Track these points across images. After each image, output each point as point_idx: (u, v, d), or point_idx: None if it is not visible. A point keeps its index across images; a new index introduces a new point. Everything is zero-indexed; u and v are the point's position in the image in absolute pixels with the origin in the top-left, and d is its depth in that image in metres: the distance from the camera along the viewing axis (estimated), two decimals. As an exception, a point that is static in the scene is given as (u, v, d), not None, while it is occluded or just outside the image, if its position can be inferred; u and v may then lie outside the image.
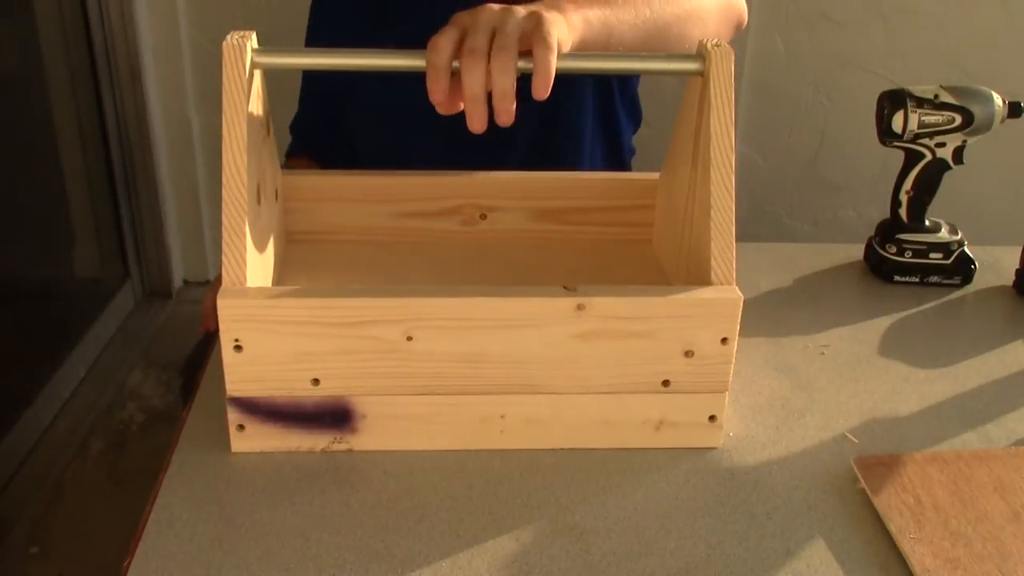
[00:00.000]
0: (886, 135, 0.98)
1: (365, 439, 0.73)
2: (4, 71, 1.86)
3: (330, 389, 0.70)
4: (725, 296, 0.71)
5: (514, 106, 0.69)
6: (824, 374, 0.85)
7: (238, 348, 0.68)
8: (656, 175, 0.92)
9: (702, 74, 0.74)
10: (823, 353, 0.88)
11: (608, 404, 0.73)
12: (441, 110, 0.71)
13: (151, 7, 2.05)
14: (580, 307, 0.69)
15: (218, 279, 1.10)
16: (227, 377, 0.69)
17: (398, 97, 1.08)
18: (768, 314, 0.95)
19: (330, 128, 1.22)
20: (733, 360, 0.72)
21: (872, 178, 2.07)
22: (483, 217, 0.93)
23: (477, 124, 0.70)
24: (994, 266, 1.04)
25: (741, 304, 0.71)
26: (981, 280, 1.02)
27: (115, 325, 2.15)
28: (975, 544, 0.65)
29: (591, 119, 1.14)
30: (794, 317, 0.94)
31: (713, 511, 0.68)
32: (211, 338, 0.88)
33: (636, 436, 0.74)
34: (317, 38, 1.18)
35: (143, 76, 2.07)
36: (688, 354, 0.71)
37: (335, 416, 0.72)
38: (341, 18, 1.14)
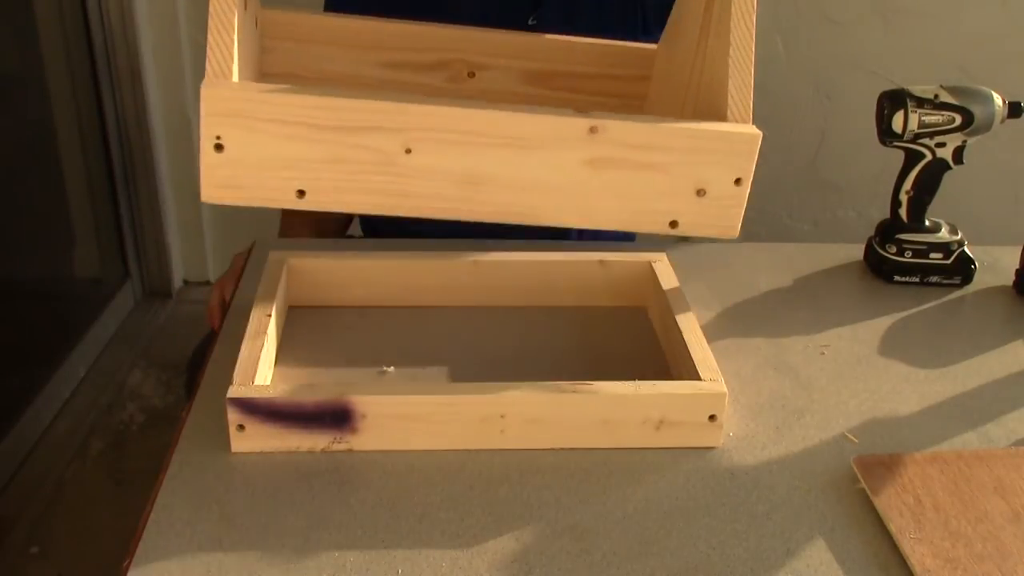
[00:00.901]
0: (886, 135, 0.98)
1: (365, 439, 0.73)
2: (4, 71, 1.86)
3: (315, 203, 0.65)
4: (743, 131, 0.67)
5: None
6: (824, 374, 0.85)
7: (219, 147, 0.63)
8: (654, 45, 0.89)
9: None
10: (823, 353, 0.88)
11: (608, 404, 0.73)
12: None
13: (151, 7, 2.05)
14: (593, 130, 0.65)
15: (221, 278, 1.10)
16: (203, 180, 0.64)
17: None
18: (768, 314, 0.95)
19: None
20: (744, 204, 0.68)
21: (872, 178, 2.07)
22: (471, 75, 0.87)
23: None
24: (994, 266, 1.04)
25: (759, 141, 0.67)
26: (981, 280, 1.02)
27: (115, 325, 2.15)
28: (975, 544, 0.65)
29: None
30: (794, 317, 0.94)
31: (713, 511, 0.68)
32: (215, 337, 0.88)
33: (636, 436, 0.74)
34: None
35: (143, 76, 2.07)
36: (700, 193, 0.68)
37: (335, 416, 0.72)
38: None
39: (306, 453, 0.73)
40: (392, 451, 0.73)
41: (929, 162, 0.99)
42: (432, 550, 0.64)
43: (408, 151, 0.64)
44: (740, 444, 0.76)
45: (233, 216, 2.26)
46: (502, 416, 0.72)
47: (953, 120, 0.96)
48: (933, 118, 0.96)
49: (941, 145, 0.98)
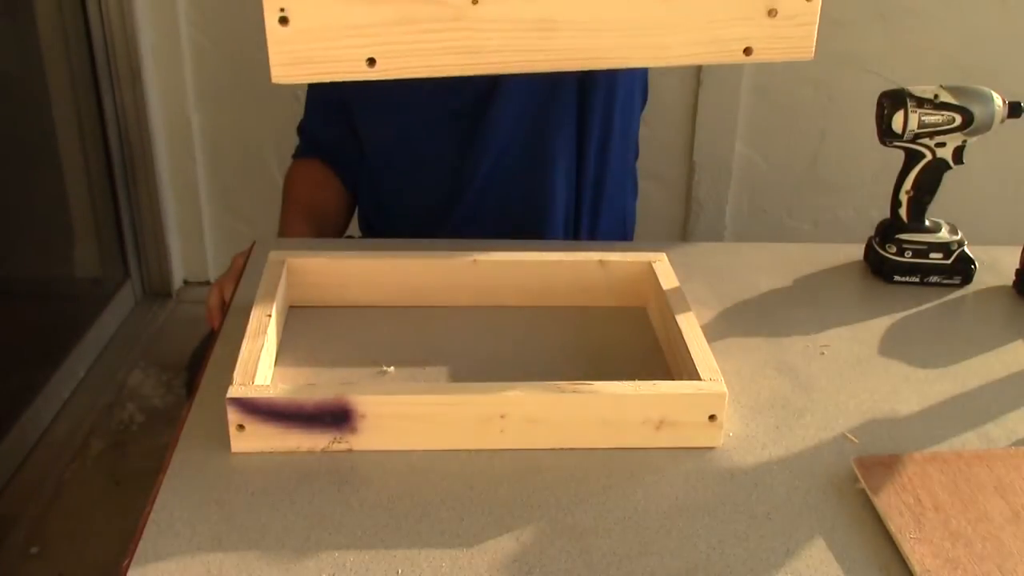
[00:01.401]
0: (886, 135, 0.98)
1: (365, 439, 0.73)
2: (4, 71, 1.86)
3: (386, 70, 0.63)
4: None
5: None
6: (824, 374, 0.85)
7: (283, 20, 0.61)
8: None
9: None
10: (823, 353, 0.88)
11: (608, 404, 0.73)
12: None
13: (151, 7, 2.05)
14: None
15: (220, 278, 1.10)
16: (272, 60, 0.62)
17: (405, 95, 1.08)
18: (768, 314, 0.95)
19: (338, 130, 1.22)
20: (817, 21, 0.67)
21: (872, 178, 2.07)
22: None
23: None
24: (994, 266, 1.04)
25: None
26: (981, 280, 1.02)
27: (115, 325, 2.15)
28: (975, 544, 0.65)
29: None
30: (794, 317, 0.94)
31: (713, 511, 0.68)
32: (215, 337, 0.88)
33: (636, 436, 0.74)
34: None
35: (143, 76, 2.07)
36: (771, 13, 0.66)
37: (335, 416, 0.72)
38: None
39: (306, 453, 0.73)
40: (392, 451, 0.73)
41: (929, 162, 0.99)
42: (432, 550, 0.64)
43: (475, 1, 0.62)
44: (740, 444, 0.76)
45: (233, 216, 2.27)
46: (502, 416, 0.72)
47: (953, 120, 0.96)
48: (933, 118, 0.96)
49: (941, 145, 0.98)
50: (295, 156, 1.27)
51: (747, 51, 0.67)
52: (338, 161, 1.23)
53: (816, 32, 0.67)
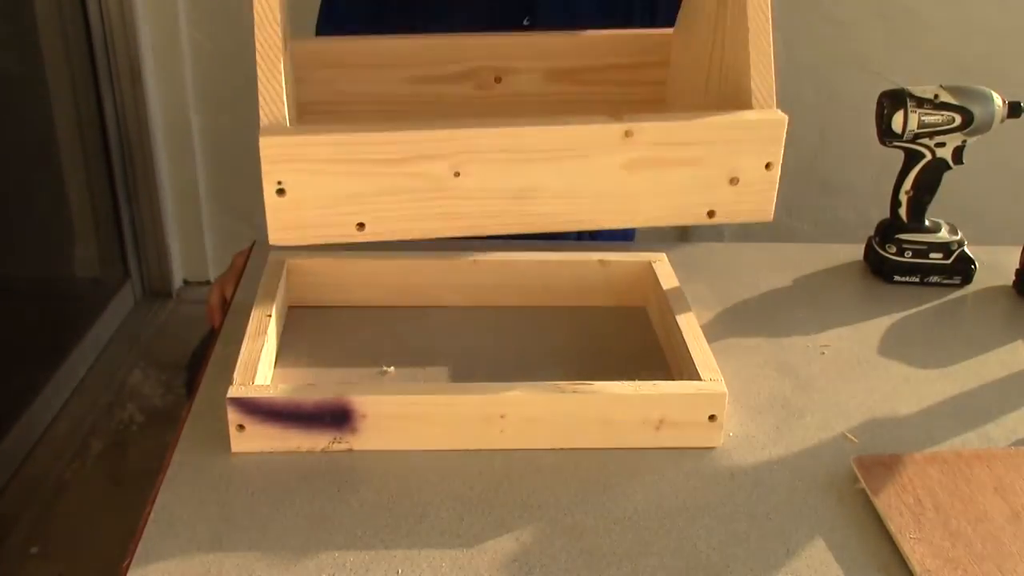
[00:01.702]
0: (886, 135, 0.98)
1: (365, 439, 0.73)
2: (4, 71, 1.86)
3: (375, 233, 0.68)
4: (769, 117, 0.70)
5: None
6: (824, 374, 0.85)
7: (281, 192, 0.66)
8: (670, 30, 0.91)
9: None
10: (823, 353, 0.88)
11: (608, 404, 0.73)
12: None
13: (151, 7, 2.05)
14: (628, 133, 0.67)
15: (220, 277, 1.10)
16: (270, 225, 0.67)
17: None
18: (768, 314, 0.95)
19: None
20: (776, 188, 0.71)
21: (872, 178, 2.07)
22: (498, 80, 0.90)
23: None
24: (994, 266, 1.04)
25: (785, 124, 0.70)
26: (981, 280, 1.02)
27: (115, 325, 2.15)
28: (975, 544, 0.65)
29: None
30: (794, 317, 0.94)
31: (713, 511, 0.68)
32: (215, 336, 0.88)
33: (636, 436, 0.74)
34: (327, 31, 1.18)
35: (143, 76, 2.07)
36: (733, 181, 0.70)
37: (335, 416, 0.72)
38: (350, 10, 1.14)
39: (306, 453, 0.73)
40: (392, 451, 0.73)
41: (929, 162, 0.99)
42: (432, 550, 0.64)
43: (457, 174, 0.67)
44: (740, 444, 0.76)
45: (233, 216, 2.27)
46: (502, 416, 0.72)
47: (953, 120, 0.96)
48: (933, 118, 0.96)
49: (941, 145, 0.98)
50: None
51: (710, 214, 0.72)
52: None
53: (775, 197, 0.72)
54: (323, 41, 0.90)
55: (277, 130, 0.66)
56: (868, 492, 0.69)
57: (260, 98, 0.66)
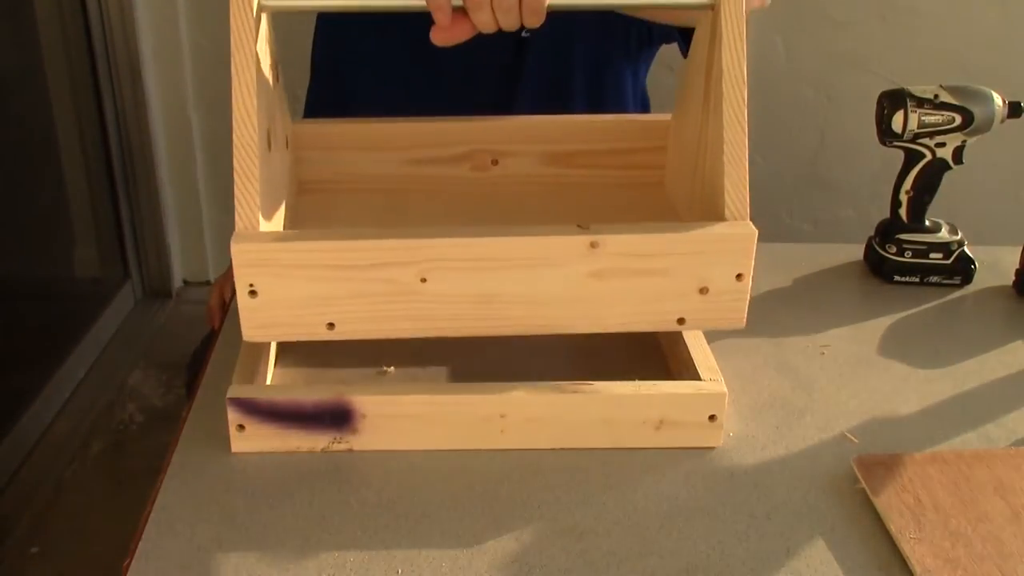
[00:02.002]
0: (886, 135, 0.98)
1: (365, 439, 0.73)
2: (4, 71, 1.86)
3: (344, 332, 0.70)
4: (739, 232, 0.70)
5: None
6: (824, 374, 0.85)
7: (253, 293, 0.68)
8: (668, 116, 0.91)
9: (713, 7, 0.73)
10: (823, 353, 0.88)
11: (608, 404, 0.73)
12: (438, 40, 0.71)
13: (151, 7, 2.05)
14: (594, 245, 0.68)
15: (220, 278, 1.10)
16: (243, 324, 0.69)
17: (396, 54, 1.09)
18: (768, 314, 0.95)
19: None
20: (748, 297, 0.71)
21: (872, 178, 2.07)
22: (495, 163, 0.92)
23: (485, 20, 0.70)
24: (994, 266, 1.04)
25: (755, 239, 0.69)
26: (981, 280, 1.02)
27: (115, 325, 2.15)
28: (975, 544, 0.65)
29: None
30: (794, 317, 0.94)
31: (713, 511, 0.68)
32: (215, 336, 0.88)
33: (636, 436, 0.74)
34: (323, 38, 1.19)
35: (143, 76, 2.07)
36: (703, 291, 0.70)
37: (335, 416, 0.72)
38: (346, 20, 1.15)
39: (306, 453, 0.73)
40: (392, 451, 0.73)
41: (929, 162, 0.99)
42: (432, 550, 0.64)
43: (423, 280, 0.68)
44: (740, 444, 0.76)
45: (233, 216, 2.26)
46: (502, 416, 0.72)
47: (953, 120, 0.96)
48: (933, 118, 0.96)
49: (941, 145, 0.98)
50: None
51: (680, 321, 0.72)
52: None
53: (746, 306, 0.71)
54: (324, 123, 0.93)
55: (249, 236, 0.68)
56: (868, 492, 0.69)
57: (236, 202, 0.69)
